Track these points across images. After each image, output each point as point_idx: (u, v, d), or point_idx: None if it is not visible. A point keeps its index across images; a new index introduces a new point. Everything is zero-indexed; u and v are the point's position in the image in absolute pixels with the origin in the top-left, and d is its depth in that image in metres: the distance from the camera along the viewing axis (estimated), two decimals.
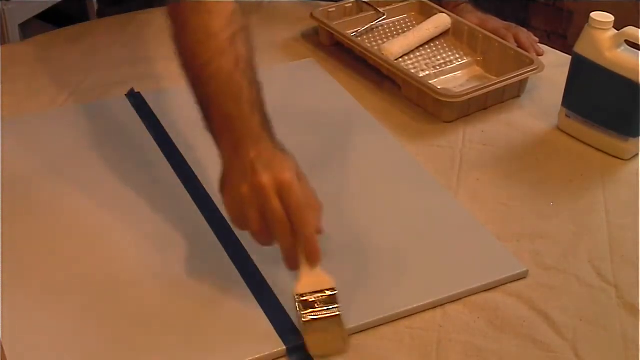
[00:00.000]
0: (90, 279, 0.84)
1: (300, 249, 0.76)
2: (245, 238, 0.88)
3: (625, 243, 0.92)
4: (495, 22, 1.30)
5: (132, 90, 1.15)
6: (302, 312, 0.77)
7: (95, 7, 2.17)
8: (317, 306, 0.77)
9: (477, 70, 1.23)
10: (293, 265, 0.77)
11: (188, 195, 0.95)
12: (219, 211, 0.93)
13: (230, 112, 0.77)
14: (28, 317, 0.80)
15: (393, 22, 1.33)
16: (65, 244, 0.88)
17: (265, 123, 0.79)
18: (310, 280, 0.78)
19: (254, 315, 0.80)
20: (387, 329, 0.80)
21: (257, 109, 0.79)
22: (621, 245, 0.92)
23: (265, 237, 0.76)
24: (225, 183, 0.78)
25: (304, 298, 0.77)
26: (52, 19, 2.18)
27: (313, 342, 0.77)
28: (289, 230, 0.74)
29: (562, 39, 2.28)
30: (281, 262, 0.86)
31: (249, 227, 0.76)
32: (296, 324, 0.78)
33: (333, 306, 0.77)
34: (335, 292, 0.77)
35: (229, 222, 0.80)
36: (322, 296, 0.77)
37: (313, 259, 0.76)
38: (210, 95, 0.78)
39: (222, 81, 0.78)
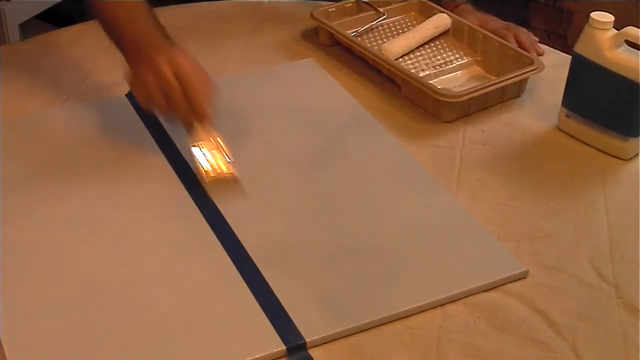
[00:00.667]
0: (90, 279, 0.84)
1: (192, 116, 0.96)
2: (245, 238, 0.89)
3: (625, 243, 0.92)
4: (495, 22, 1.30)
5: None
6: (204, 174, 0.96)
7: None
8: (213, 164, 0.96)
9: (477, 70, 1.23)
10: (189, 127, 0.97)
11: (188, 195, 0.95)
12: (219, 211, 0.93)
13: (134, 29, 1.00)
14: (28, 317, 0.80)
15: (393, 22, 1.33)
16: (65, 243, 0.88)
17: (163, 34, 0.99)
18: (205, 141, 0.97)
19: (254, 315, 0.80)
20: (387, 329, 0.80)
21: (154, 26, 1.00)
22: (621, 245, 0.92)
23: (168, 111, 0.97)
24: (134, 77, 0.98)
25: (202, 151, 0.96)
26: (52, 19, 2.18)
27: (215, 193, 0.95)
28: (183, 100, 0.94)
29: (562, 39, 2.28)
30: (281, 262, 0.86)
31: (155, 105, 0.96)
32: (197, 175, 0.97)
33: (227, 161, 0.97)
34: (228, 153, 0.96)
35: (140, 105, 0.98)
36: (215, 152, 0.97)
37: (202, 119, 0.96)
38: (118, 21, 1.00)
39: (126, 10, 1.01)
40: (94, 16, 1.03)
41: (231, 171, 0.96)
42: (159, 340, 0.78)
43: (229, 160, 0.97)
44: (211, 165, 0.96)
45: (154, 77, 0.95)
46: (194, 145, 0.97)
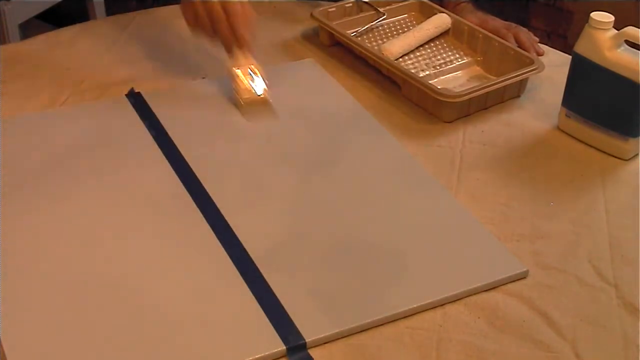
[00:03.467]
0: (90, 279, 0.84)
1: (233, 41, 1.08)
2: (245, 238, 0.89)
3: (625, 243, 0.92)
4: (495, 21, 1.30)
5: (132, 90, 1.15)
6: (241, 95, 1.08)
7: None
8: (248, 87, 1.08)
9: (477, 70, 1.23)
10: (229, 51, 1.09)
11: (188, 194, 0.95)
12: (220, 211, 0.93)
13: None
14: (28, 317, 0.80)
15: (393, 22, 1.33)
16: (66, 243, 0.88)
17: None
18: (243, 65, 1.09)
19: (254, 315, 0.80)
20: (387, 329, 0.80)
21: None
22: (621, 245, 0.92)
23: (212, 34, 1.08)
24: (185, 1, 1.09)
25: (240, 76, 1.08)
26: (52, 19, 2.18)
27: (249, 116, 1.07)
28: (227, 25, 1.07)
29: (562, 39, 2.28)
30: (281, 262, 0.86)
31: (201, 27, 1.08)
32: (233, 98, 1.09)
33: (263, 87, 1.09)
34: (266, 79, 1.09)
35: (188, 26, 1.10)
36: (250, 78, 1.08)
37: (241, 45, 1.09)
38: None
39: None
40: None
41: (264, 95, 1.08)
42: (159, 340, 0.78)
43: (264, 86, 1.08)
44: (246, 88, 1.08)
45: (203, 3, 1.06)
46: (234, 68, 1.08)
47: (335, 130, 1.09)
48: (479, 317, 0.82)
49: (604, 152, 1.06)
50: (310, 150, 1.05)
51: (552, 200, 0.98)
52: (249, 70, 1.08)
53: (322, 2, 1.37)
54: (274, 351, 0.76)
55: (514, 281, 0.86)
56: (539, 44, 1.27)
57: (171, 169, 0.99)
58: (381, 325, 0.80)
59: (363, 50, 1.20)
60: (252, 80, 1.08)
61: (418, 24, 1.30)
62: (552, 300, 0.84)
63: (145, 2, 2.35)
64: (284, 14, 1.39)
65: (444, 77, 1.21)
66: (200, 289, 0.83)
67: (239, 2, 1.08)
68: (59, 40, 1.28)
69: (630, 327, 0.82)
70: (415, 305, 0.82)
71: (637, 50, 1.01)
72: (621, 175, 1.04)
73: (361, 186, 0.99)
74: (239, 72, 1.08)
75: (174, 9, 1.38)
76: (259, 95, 1.08)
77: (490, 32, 1.24)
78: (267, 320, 0.79)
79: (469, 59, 1.24)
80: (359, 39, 1.26)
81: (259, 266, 0.85)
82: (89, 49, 1.26)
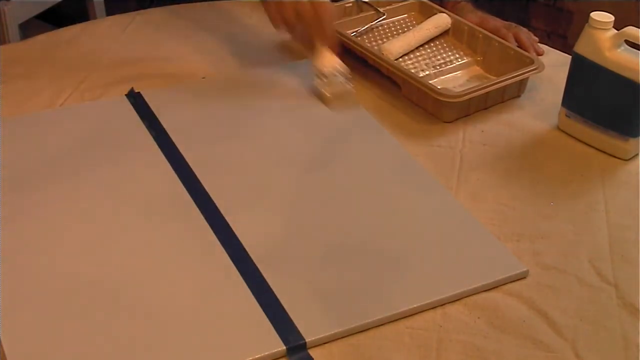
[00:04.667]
0: (90, 279, 0.84)
1: (318, 38, 1.09)
2: (245, 238, 0.89)
3: (625, 243, 0.92)
4: (495, 21, 1.30)
5: (132, 90, 1.15)
6: (326, 88, 1.11)
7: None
8: (333, 81, 1.10)
9: (477, 70, 1.23)
10: (311, 49, 1.11)
11: (188, 194, 0.95)
12: (219, 211, 0.93)
13: None
14: (28, 317, 0.80)
15: (393, 22, 1.33)
16: (66, 244, 0.88)
17: None
18: (328, 61, 1.10)
19: (254, 315, 0.80)
20: (387, 329, 0.80)
21: None
22: (621, 245, 0.92)
23: (293, 30, 1.10)
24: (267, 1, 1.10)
25: (324, 72, 1.10)
26: (52, 19, 2.18)
27: (334, 107, 1.11)
28: (313, 24, 1.08)
29: (562, 39, 2.28)
30: (281, 262, 0.86)
31: (285, 22, 1.09)
32: (317, 94, 1.13)
33: (347, 82, 1.11)
34: (348, 74, 1.11)
35: (270, 19, 1.10)
36: (337, 74, 1.10)
37: (331, 43, 1.10)
38: None
39: None
40: None
41: (348, 87, 1.11)
42: (159, 340, 0.78)
43: (348, 77, 1.11)
44: (331, 84, 1.11)
45: (292, 2, 1.07)
46: (317, 66, 1.11)
47: (335, 130, 1.09)
48: (479, 317, 0.82)
49: (604, 152, 1.06)
50: (310, 150, 1.05)
51: (552, 200, 0.98)
52: (334, 66, 1.10)
53: None
54: (274, 351, 0.76)
55: (514, 281, 0.86)
56: (538, 44, 1.27)
57: (171, 169, 0.99)
58: (381, 325, 0.80)
59: (363, 50, 1.20)
60: (335, 75, 1.10)
61: (418, 24, 1.30)
62: (552, 300, 0.84)
63: (144, 2, 2.35)
64: None
65: (444, 77, 1.21)
66: (200, 289, 0.83)
67: (325, 1, 1.08)
68: (59, 40, 1.29)
69: (630, 327, 0.82)
70: (415, 305, 0.82)
71: (637, 50, 1.01)
72: (621, 175, 1.04)
73: (361, 186, 0.99)
74: (326, 69, 1.10)
75: (174, 9, 1.39)
76: (344, 89, 1.11)
77: (490, 31, 1.24)
78: (267, 320, 0.79)
79: (469, 59, 1.24)
80: (359, 39, 1.26)
81: (259, 266, 0.85)
82: (89, 49, 1.26)
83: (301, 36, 1.12)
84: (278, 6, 1.09)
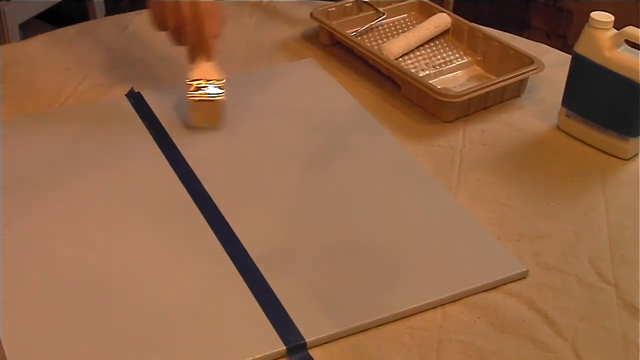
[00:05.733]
0: (90, 279, 0.84)
1: (199, 47, 1.02)
2: (245, 238, 0.89)
3: (625, 243, 0.92)
4: None
5: (132, 90, 1.15)
6: (189, 93, 1.03)
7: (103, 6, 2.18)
8: (203, 90, 1.04)
9: (477, 70, 1.23)
10: (191, 59, 1.04)
11: (188, 194, 0.95)
12: (219, 211, 0.93)
13: None
14: (28, 317, 0.80)
15: (393, 22, 1.33)
16: (66, 244, 0.88)
17: None
18: (203, 72, 1.04)
19: (254, 315, 0.80)
20: (387, 329, 0.80)
21: None
22: (621, 245, 0.92)
23: (177, 37, 1.03)
24: (151, 2, 1.03)
25: (196, 84, 1.03)
26: (52, 19, 2.18)
27: (195, 118, 1.05)
28: (192, 31, 1.01)
29: (562, 39, 2.28)
30: (281, 262, 0.86)
31: (167, 28, 1.02)
32: (186, 104, 1.05)
33: (218, 93, 1.04)
34: (223, 81, 1.04)
35: (153, 24, 1.03)
36: (209, 83, 1.04)
37: (208, 54, 1.03)
38: None
39: None
40: None
41: (218, 98, 1.04)
42: (159, 340, 0.78)
43: (220, 91, 1.04)
44: (201, 93, 1.04)
45: (172, 4, 1.00)
46: (194, 83, 1.04)
47: (335, 130, 1.09)
48: (479, 317, 0.82)
49: (604, 152, 1.06)
50: (310, 150, 1.05)
51: (552, 200, 0.98)
52: (206, 76, 1.04)
53: (322, 2, 1.37)
54: (274, 351, 0.76)
55: (514, 281, 0.86)
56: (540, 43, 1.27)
57: (171, 168, 0.99)
58: (381, 325, 0.81)
59: (363, 50, 1.20)
60: (207, 85, 1.04)
61: (418, 23, 1.30)
62: (552, 300, 0.84)
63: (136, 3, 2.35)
64: (284, 14, 1.39)
65: (443, 77, 1.21)
66: (200, 289, 0.83)
67: (209, 1, 1.01)
68: (59, 40, 1.29)
69: (630, 327, 0.82)
70: (415, 305, 0.82)
71: (637, 50, 1.01)
72: (621, 175, 1.04)
73: (361, 186, 0.99)
74: (198, 84, 1.04)
75: None
76: (210, 99, 1.04)
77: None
78: (267, 320, 0.79)
79: (469, 58, 1.24)
80: (359, 38, 1.26)
81: (259, 266, 0.85)
82: (89, 49, 1.26)
83: (183, 41, 1.03)
84: (159, 7, 1.01)
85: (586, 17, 1.03)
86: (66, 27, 1.33)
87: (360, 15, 1.32)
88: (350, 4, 1.33)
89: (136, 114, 1.09)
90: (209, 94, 1.04)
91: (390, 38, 1.27)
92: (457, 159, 1.05)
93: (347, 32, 1.26)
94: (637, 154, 1.06)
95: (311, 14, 1.28)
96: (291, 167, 1.01)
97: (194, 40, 1.02)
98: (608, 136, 1.06)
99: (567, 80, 1.08)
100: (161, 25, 1.03)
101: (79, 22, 1.35)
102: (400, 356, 0.78)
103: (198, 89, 1.03)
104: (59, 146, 1.03)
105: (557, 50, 1.30)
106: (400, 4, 1.35)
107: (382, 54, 1.20)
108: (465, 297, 0.84)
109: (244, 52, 1.27)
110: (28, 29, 2.01)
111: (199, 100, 1.04)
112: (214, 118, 1.05)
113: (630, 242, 0.92)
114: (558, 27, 2.31)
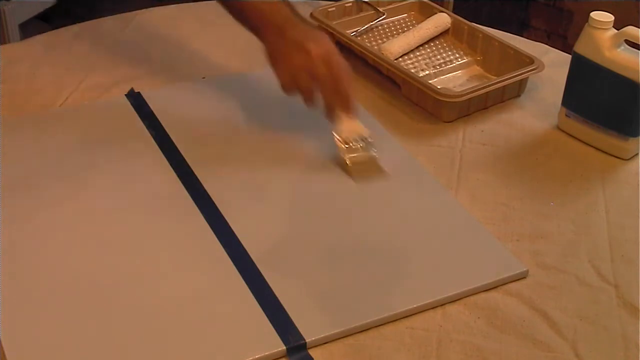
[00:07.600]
0: (90, 279, 0.84)
1: (338, 104, 0.97)
2: (245, 238, 0.89)
3: (625, 243, 0.92)
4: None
5: (132, 90, 1.15)
6: (347, 155, 0.99)
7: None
8: (355, 147, 0.99)
9: (477, 69, 1.23)
10: (331, 116, 0.98)
11: (188, 195, 0.95)
12: (219, 211, 0.93)
13: (271, 8, 1.00)
14: (28, 317, 0.80)
15: (393, 22, 1.33)
16: (66, 244, 0.88)
17: (298, 14, 1.01)
18: (350, 128, 0.99)
19: (254, 315, 0.80)
20: (387, 329, 0.80)
21: (289, 7, 1.01)
22: (621, 245, 0.92)
23: (310, 96, 0.97)
24: (276, 59, 0.98)
25: (347, 145, 0.99)
26: (52, 19, 2.18)
27: (357, 177, 0.98)
28: (331, 88, 0.95)
29: (562, 39, 2.28)
30: (281, 262, 0.86)
31: (300, 88, 0.97)
32: (341, 161, 1.00)
33: (370, 148, 1.00)
34: (371, 138, 1.00)
35: (281, 89, 0.98)
36: (360, 140, 0.99)
37: (349, 109, 0.97)
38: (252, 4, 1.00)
39: None
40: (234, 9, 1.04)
41: (371, 154, 1.00)
42: (159, 340, 0.78)
43: (370, 143, 1.00)
44: (352, 151, 1.00)
45: (303, 61, 0.95)
46: (337, 134, 0.99)
47: None
48: (479, 317, 0.82)
49: (604, 152, 1.06)
50: (310, 150, 1.05)
51: (552, 200, 0.98)
52: (355, 132, 1.00)
53: (322, 2, 1.37)
54: (274, 351, 0.76)
55: (514, 281, 0.86)
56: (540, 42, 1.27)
57: (171, 168, 0.99)
58: (381, 325, 0.81)
59: (363, 50, 1.20)
60: (357, 141, 1.00)
61: (418, 23, 1.30)
62: (552, 300, 0.84)
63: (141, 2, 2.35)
64: None
65: (443, 76, 1.21)
66: (200, 289, 0.83)
67: (337, 53, 0.96)
68: (59, 40, 1.28)
69: (630, 327, 0.82)
70: (415, 305, 0.82)
71: (637, 50, 1.01)
72: (621, 175, 1.04)
73: (360, 186, 0.99)
74: (342, 136, 1.00)
75: (174, 9, 1.39)
76: (366, 156, 1.00)
77: None
78: (267, 320, 0.79)
79: (469, 58, 1.24)
80: (359, 38, 1.26)
81: (259, 266, 0.85)
82: (89, 49, 1.26)
83: (317, 101, 0.98)
84: (290, 70, 0.96)
85: (586, 17, 1.03)
86: (66, 27, 1.33)
87: (360, 15, 1.32)
88: (350, 4, 1.33)
89: (136, 114, 1.09)
90: (365, 151, 1.00)
91: (390, 38, 1.27)
92: (457, 159, 1.05)
93: (347, 32, 1.26)
94: (637, 154, 1.06)
95: (311, 14, 1.28)
96: (291, 167, 1.01)
97: (331, 98, 0.97)
98: (608, 136, 1.06)
99: (567, 80, 1.08)
100: (292, 87, 0.98)
101: (79, 22, 1.35)
102: (401, 356, 0.78)
103: (351, 149, 0.99)
104: (59, 146, 1.03)
105: (557, 50, 1.30)
106: (400, 4, 1.35)
107: (382, 54, 1.20)
108: (465, 297, 0.84)
109: (244, 52, 1.26)
110: (28, 29, 2.01)
111: (359, 161, 1.00)
112: (374, 172, 0.99)
113: (630, 242, 0.92)
114: (558, 27, 2.31)
